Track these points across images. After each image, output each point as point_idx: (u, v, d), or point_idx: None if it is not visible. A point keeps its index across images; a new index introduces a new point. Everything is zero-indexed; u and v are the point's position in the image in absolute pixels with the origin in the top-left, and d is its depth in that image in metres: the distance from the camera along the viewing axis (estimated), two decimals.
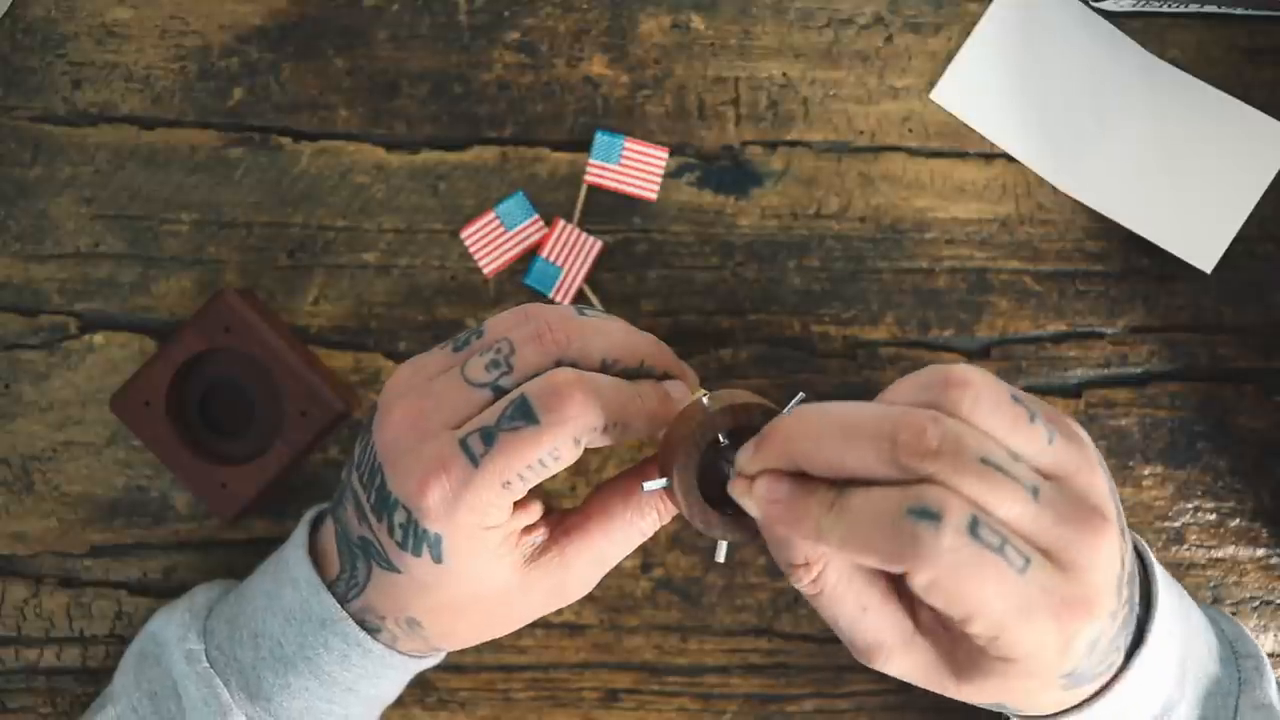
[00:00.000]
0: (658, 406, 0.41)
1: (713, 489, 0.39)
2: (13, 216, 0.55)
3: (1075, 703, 0.41)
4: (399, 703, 0.54)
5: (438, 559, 0.40)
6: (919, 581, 0.34)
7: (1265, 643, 0.55)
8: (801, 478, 0.37)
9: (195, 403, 0.54)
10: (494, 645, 0.55)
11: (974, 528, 0.34)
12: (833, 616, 0.40)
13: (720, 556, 0.40)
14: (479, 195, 0.55)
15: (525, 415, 0.38)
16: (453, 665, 0.55)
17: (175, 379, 0.52)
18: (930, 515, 0.34)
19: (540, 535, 0.42)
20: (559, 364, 0.40)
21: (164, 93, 0.55)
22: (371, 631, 0.44)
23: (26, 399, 0.54)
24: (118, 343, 0.55)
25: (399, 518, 0.40)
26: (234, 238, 0.55)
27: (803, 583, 0.39)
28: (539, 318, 0.41)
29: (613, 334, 0.42)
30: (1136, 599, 0.41)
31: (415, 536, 0.40)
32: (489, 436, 0.38)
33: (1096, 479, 0.37)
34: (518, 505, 0.41)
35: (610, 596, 0.55)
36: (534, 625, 0.55)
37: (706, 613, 0.55)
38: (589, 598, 0.55)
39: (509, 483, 0.38)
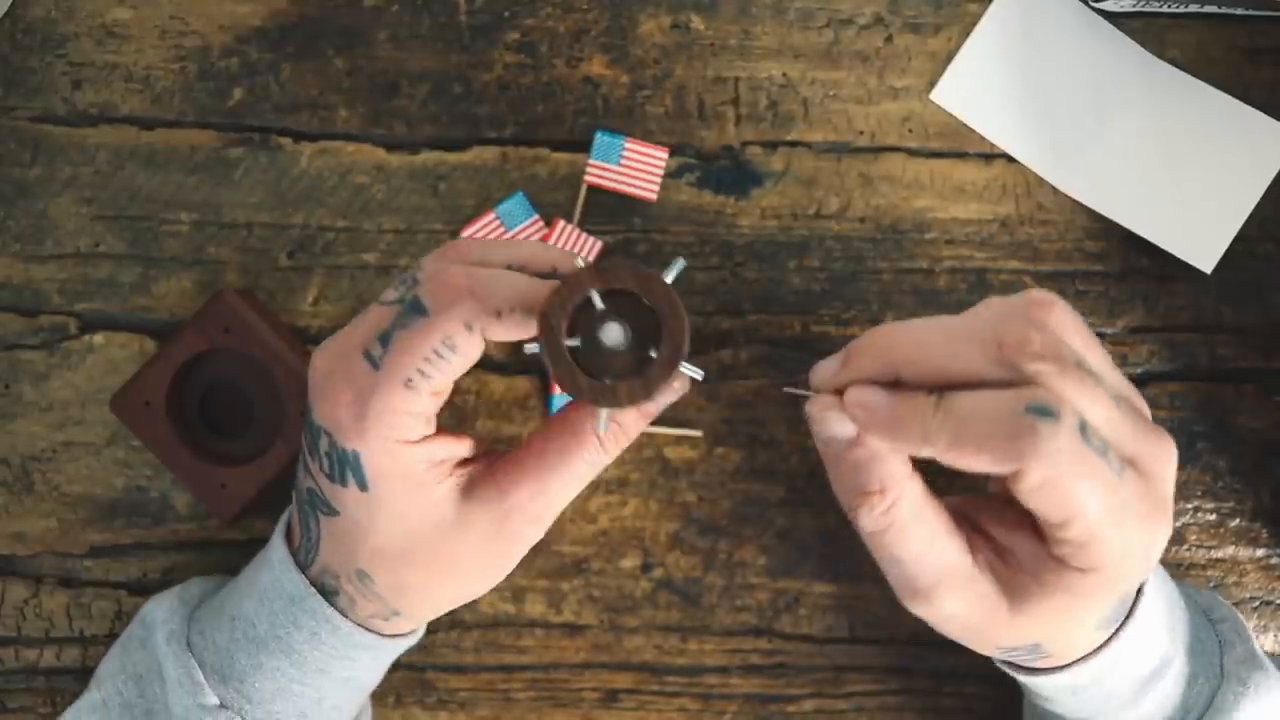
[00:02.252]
0: None
1: (595, 361, 0.38)
2: (13, 216, 0.55)
3: (1093, 648, 0.42)
4: (399, 702, 0.54)
5: (361, 484, 0.40)
6: (1031, 479, 0.35)
7: (1265, 643, 0.55)
8: (893, 387, 0.37)
9: (195, 403, 0.54)
10: (494, 645, 0.55)
11: (1084, 429, 0.35)
12: (897, 553, 0.40)
13: (601, 426, 0.39)
14: (479, 196, 0.55)
15: (416, 309, 0.39)
16: (453, 665, 0.55)
17: (175, 379, 0.52)
18: (1048, 413, 0.34)
19: (477, 469, 0.42)
20: None
21: (164, 93, 0.55)
22: (330, 594, 0.44)
23: (26, 399, 0.54)
24: (118, 343, 0.55)
25: (324, 445, 0.40)
26: (234, 238, 0.55)
27: (874, 512, 0.39)
28: (451, 242, 0.42)
29: (520, 246, 0.42)
30: None
31: (338, 462, 0.40)
32: (385, 339, 0.39)
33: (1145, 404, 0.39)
34: (446, 435, 0.41)
35: (610, 597, 0.55)
36: (534, 625, 0.55)
37: (706, 613, 0.55)
38: (589, 598, 0.55)
39: (409, 380, 0.39)
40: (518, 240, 0.42)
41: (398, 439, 0.39)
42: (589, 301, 0.38)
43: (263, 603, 0.45)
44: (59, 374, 0.54)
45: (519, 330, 0.39)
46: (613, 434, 0.42)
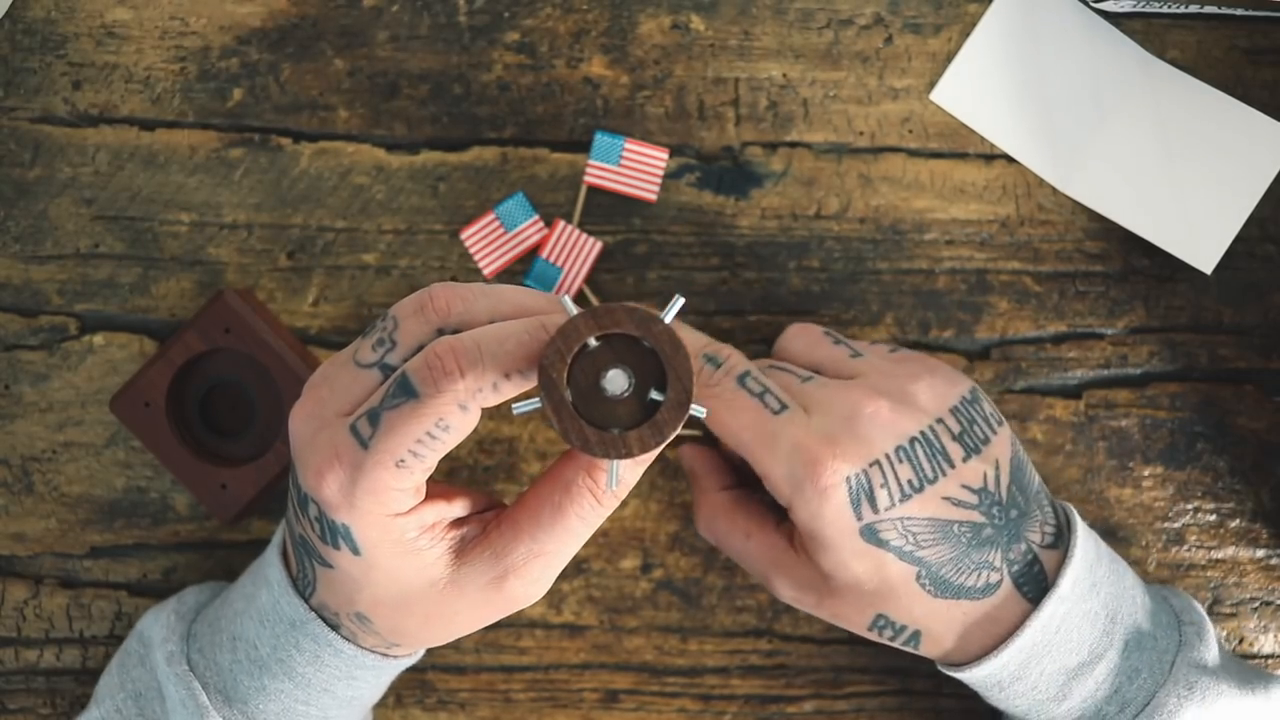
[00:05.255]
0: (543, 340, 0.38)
1: (596, 408, 0.36)
2: (12, 217, 0.55)
3: (998, 640, 0.45)
4: (399, 703, 0.54)
5: (355, 551, 0.39)
6: (706, 411, 0.40)
7: (1265, 643, 0.55)
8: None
9: (195, 403, 0.54)
10: (494, 646, 0.55)
11: (743, 378, 0.45)
12: (729, 549, 0.48)
13: (613, 483, 0.38)
14: (479, 196, 0.55)
15: (406, 391, 0.37)
16: (453, 665, 0.55)
17: (175, 379, 0.52)
18: (714, 361, 0.46)
19: (472, 530, 0.41)
20: (440, 333, 0.39)
21: (164, 94, 0.55)
22: (332, 627, 0.44)
23: (26, 400, 0.54)
24: (118, 343, 0.55)
25: (312, 512, 0.40)
26: (234, 238, 0.55)
27: (699, 525, 0.50)
28: (427, 291, 0.40)
29: (501, 295, 0.40)
30: (1048, 534, 0.46)
31: (329, 529, 0.39)
32: (374, 418, 0.38)
33: (916, 387, 0.46)
34: (439, 497, 0.40)
35: (610, 597, 0.55)
36: (534, 626, 0.55)
37: (706, 614, 0.55)
38: (589, 598, 0.55)
39: (402, 461, 0.37)
40: (500, 289, 0.40)
41: (388, 513, 0.39)
42: (584, 348, 0.36)
43: (264, 625, 0.45)
44: (59, 374, 0.54)
45: (516, 390, 0.38)
46: (616, 491, 0.40)
